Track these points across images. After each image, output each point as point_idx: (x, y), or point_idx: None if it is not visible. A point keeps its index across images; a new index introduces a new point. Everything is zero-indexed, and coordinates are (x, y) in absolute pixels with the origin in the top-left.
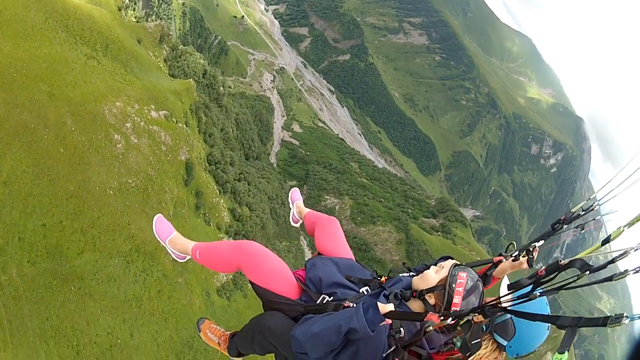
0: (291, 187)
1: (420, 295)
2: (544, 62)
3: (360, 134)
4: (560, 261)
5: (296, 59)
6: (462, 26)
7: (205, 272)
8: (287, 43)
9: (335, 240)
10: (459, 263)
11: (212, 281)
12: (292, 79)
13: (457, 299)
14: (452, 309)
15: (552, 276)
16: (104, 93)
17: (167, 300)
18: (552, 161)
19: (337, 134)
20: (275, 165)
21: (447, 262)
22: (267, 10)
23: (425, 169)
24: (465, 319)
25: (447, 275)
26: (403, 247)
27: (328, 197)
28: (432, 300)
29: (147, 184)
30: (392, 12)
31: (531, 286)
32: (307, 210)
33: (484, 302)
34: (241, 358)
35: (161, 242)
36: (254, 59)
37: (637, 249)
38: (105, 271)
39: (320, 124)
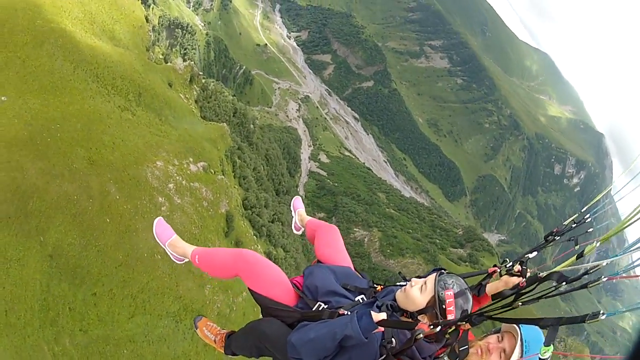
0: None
1: (413, 317)
2: (563, 79)
3: (386, 162)
4: (539, 274)
5: (320, 87)
6: (481, 46)
7: None
8: (310, 71)
9: (334, 248)
10: (443, 272)
11: None
12: (317, 107)
13: (450, 317)
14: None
15: (531, 287)
16: (144, 151)
17: (213, 352)
18: (575, 180)
19: (364, 163)
20: (303, 197)
21: (429, 277)
22: (289, 38)
23: (450, 194)
24: (453, 327)
25: (435, 296)
26: None
27: (357, 230)
28: (425, 320)
29: (192, 242)
30: (413, 35)
31: (513, 296)
32: (308, 218)
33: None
34: (235, 357)
35: (161, 244)
36: (278, 87)
37: (609, 263)
38: (155, 332)
39: (347, 153)
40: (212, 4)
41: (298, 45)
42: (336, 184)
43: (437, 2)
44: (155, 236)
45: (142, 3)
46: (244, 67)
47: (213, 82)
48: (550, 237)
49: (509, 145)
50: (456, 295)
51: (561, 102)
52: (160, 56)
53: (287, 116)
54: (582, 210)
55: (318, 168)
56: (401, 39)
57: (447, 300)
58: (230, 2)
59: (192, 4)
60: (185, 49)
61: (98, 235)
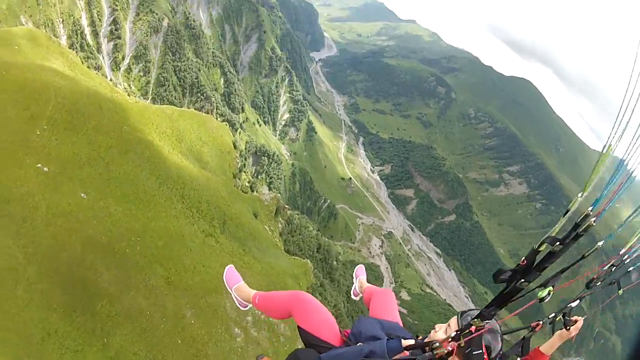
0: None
1: (441, 358)
2: (634, 181)
3: (467, 297)
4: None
5: (403, 222)
6: (556, 164)
7: None
8: (394, 206)
9: (386, 307)
10: (464, 311)
11: None
12: (400, 243)
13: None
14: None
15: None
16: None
17: None
18: None
19: (445, 299)
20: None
21: (452, 319)
22: (373, 172)
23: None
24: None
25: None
26: None
27: None
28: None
29: None
30: (492, 163)
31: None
32: (367, 285)
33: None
34: None
35: (228, 288)
36: (362, 223)
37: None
38: None
39: (428, 290)
40: (297, 134)
41: (382, 180)
42: (416, 322)
43: (512, 124)
44: (225, 281)
45: (230, 127)
46: (329, 200)
47: (298, 215)
48: (591, 284)
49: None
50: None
51: (635, 206)
52: (247, 183)
53: (370, 252)
54: (621, 253)
55: (399, 306)
56: (480, 168)
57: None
58: (315, 133)
59: (278, 132)
60: (271, 178)
61: (166, 353)
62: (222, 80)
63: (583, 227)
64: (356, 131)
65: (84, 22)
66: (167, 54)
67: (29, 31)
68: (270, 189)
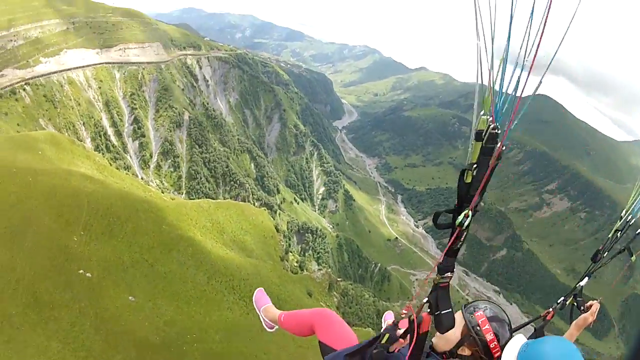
0: None
1: (452, 355)
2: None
3: (533, 326)
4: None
5: (457, 269)
6: (590, 168)
7: None
8: None
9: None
10: (467, 303)
11: None
12: (458, 290)
13: (489, 336)
14: (491, 345)
15: None
16: None
17: None
18: None
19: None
20: None
21: (457, 313)
22: (417, 226)
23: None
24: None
25: (465, 323)
26: None
27: None
28: (467, 352)
29: None
30: (530, 187)
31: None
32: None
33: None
34: None
35: (257, 310)
36: (416, 279)
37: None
38: None
39: None
40: (336, 205)
41: (427, 232)
42: None
43: (540, 143)
44: (254, 302)
45: (268, 210)
46: (379, 264)
47: (351, 285)
48: (599, 255)
49: None
50: (489, 317)
51: None
52: (295, 263)
53: None
54: (623, 214)
55: None
56: (520, 195)
57: (480, 321)
58: (354, 200)
59: (317, 207)
60: (318, 253)
61: None
62: (252, 165)
63: (487, 138)
64: (393, 190)
65: (105, 122)
66: (193, 146)
67: (51, 135)
68: (319, 265)
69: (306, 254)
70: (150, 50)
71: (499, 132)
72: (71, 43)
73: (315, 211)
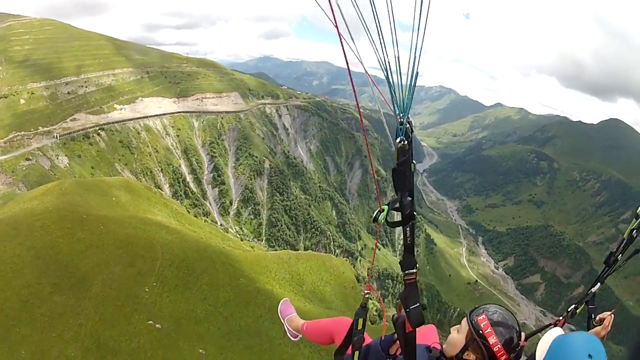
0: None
1: (459, 359)
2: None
3: None
4: None
5: (534, 310)
6: None
7: None
8: (523, 296)
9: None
10: (475, 307)
11: None
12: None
13: (492, 340)
14: (494, 349)
15: None
16: None
17: None
18: None
19: None
20: None
21: (463, 320)
22: (497, 268)
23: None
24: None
25: (469, 327)
26: None
27: None
28: (472, 357)
29: None
30: (607, 219)
31: None
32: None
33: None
34: None
35: (282, 319)
36: None
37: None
38: None
39: None
40: (417, 250)
41: (507, 274)
42: None
43: (615, 171)
44: (279, 312)
45: (349, 256)
46: (458, 308)
47: None
48: (612, 258)
49: None
50: (492, 321)
51: None
52: (375, 312)
53: None
54: (639, 212)
55: None
56: (598, 228)
57: (482, 324)
58: (435, 244)
59: (398, 252)
60: (398, 299)
61: None
62: (334, 211)
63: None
64: (474, 232)
65: (184, 169)
66: (274, 194)
67: (126, 182)
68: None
69: (385, 300)
70: (228, 100)
71: (404, 128)
72: (146, 91)
73: (396, 257)
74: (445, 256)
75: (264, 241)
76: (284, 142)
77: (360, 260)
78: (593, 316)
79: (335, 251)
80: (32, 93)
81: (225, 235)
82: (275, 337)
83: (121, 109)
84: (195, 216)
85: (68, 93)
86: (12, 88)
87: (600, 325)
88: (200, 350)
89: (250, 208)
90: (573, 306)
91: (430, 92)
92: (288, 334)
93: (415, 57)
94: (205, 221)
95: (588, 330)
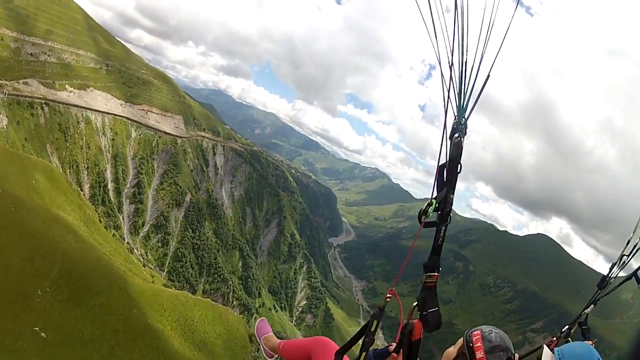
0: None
1: None
2: None
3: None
4: None
5: None
6: (580, 306)
7: None
8: None
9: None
10: (474, 327)
11: None
12: None
13: (479, 354)
14: None
15: None
16: None
17: None
18: None
19: None
20: None
21: (459, 339)
22: None
23: None
24: None
25: (464, 341)
26: None
27: None
28: None
29: None
30: (514, 327)
31: None
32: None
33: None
34: None
35: (257, 338)
36: None
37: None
38: None
39: None
40: (315, 320)
41: None
42: None
43: (532, 283)
44: (256, 330)
45: (245, 311)
46: None
47: None
48: (606, 281)
49: None
50: (484, 338)
51: None
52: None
53: None
54: (629, 239)
55: None
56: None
57: (474, 339)
58: (333, 319)
59: (295, 318)
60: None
61: None
62: (240, 263)
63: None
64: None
65: (108, 175)
66: (187, 229)
67: (50, 169)
68: None
69: None
70: (172, 121)
71: (460, 126)
72: (99, 84)
73: (292, 322)
74: (341, 332)
75: (165, 272)
76: (211, 180)
77: (255, 318)
78: (587, 336)
79: (233, 302)
80: (1, 39)
81: (129, 257)
82: None
83: (71, 92)
84: (106, 227)
85: (31, 54)
86: None
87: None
88: None
89: (160, 235)
90: (567, 327)
91: (364, 172)
92: (264, 353)
93: (479, 62)
94: (113, 235)
95: None
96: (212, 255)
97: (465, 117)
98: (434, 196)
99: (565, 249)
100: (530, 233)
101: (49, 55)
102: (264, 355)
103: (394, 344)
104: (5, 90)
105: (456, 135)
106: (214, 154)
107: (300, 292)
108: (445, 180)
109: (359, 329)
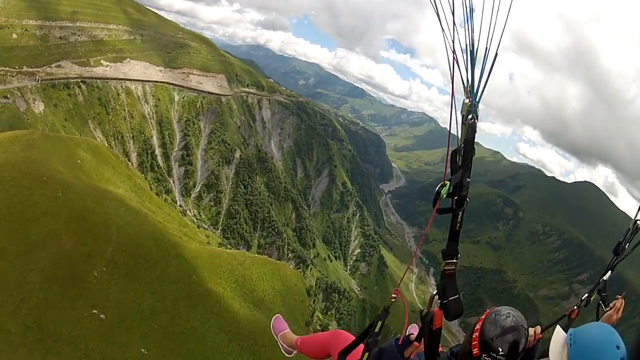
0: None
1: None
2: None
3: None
4: None
5: None
6: (623, 262)
7: None
8: (464, 334)
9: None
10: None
11: None
12: None
13: (474, 334)
14: (473, 335)
15: None
16: None
17: None
18: None
19: None
20: None
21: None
22: None
23: None
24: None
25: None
26: None
27: None
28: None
29: None
30: (562, 276)
31: None
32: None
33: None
34: None
35: (275, 336)
36: None
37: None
38: None
39: None
40: (369, 269)
41: None
42: None
43: (579, 232)
44: (272, 328)
45: (301, 263)
46: (398, 334)
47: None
48: (620, 246)
49: None
50: (488, 318)
51: None
52: (319, 327)
53: None
54: None
55: None
56: (551, 283)
57: (476, 327)
58: (387, 267)
59: (349, 267)
60: (340, 314)
61: None
62: (293, 215)
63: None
64: (426, 262)
65: (155, 141)
66: (238, 186)
67: (95, 145)
68: (339, 326)
69: (328, 313)
70: (214, 81)
71: (473, 107)
72: (136, 54)
73: (346, 271)
74: (395, 280)
75: (219, 230)
76: (259, 135)
77: (310, 269)
78: (606, 303)
79: (288, 255)
80: (26, 30)
81: (183, 220)
82: (219, 345)
83: (107, 66)
84: (157, 194)
85: (60, 38)
86: (7, 20)
87: (611, 309)
88: (143, 350)
89: (212, 194)
90: (586, 295)
91: (411, 117)
92: (282, 349)
93: (490, 43)
94: (165, 200)
95: (597, 317)
96: (265, 210)
97: (477, 99)
98: (447, 178)
99: (611, 199)
100: (577, 180)
101: (79, 36)
102: (282, 352)
103: (414, 334)
104: (37, 77)
105: (470, 117)
106: (260, 108)
107: (354, 240)
108: (460, 163)
109: (363, 330)
